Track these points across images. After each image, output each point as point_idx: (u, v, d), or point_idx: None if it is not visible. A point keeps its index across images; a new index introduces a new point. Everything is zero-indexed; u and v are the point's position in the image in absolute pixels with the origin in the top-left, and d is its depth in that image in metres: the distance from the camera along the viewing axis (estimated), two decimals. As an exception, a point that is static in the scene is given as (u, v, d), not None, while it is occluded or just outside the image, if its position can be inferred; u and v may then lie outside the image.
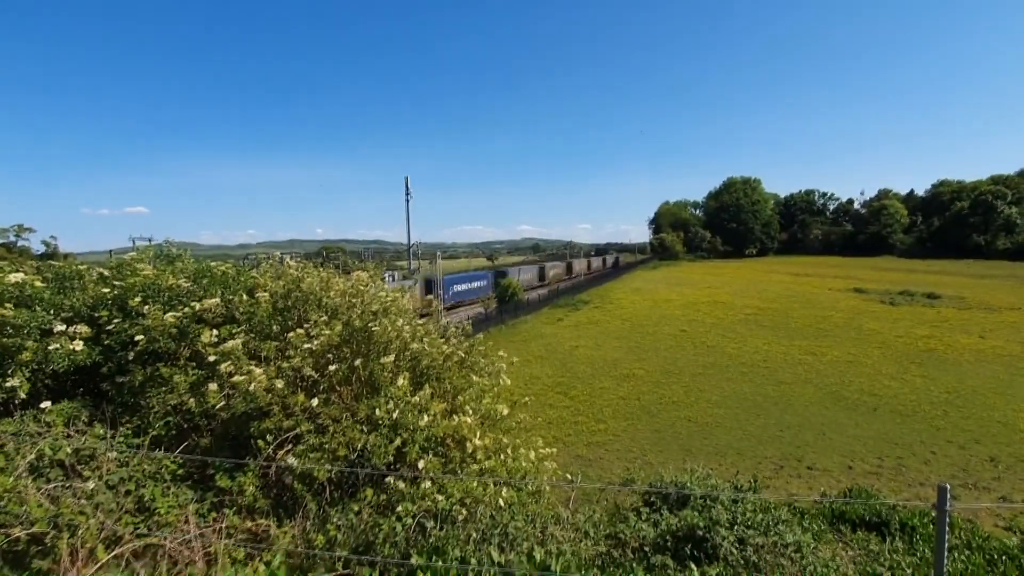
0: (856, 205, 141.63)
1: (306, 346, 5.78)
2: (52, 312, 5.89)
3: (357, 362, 5.98)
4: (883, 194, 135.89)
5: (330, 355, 6.07)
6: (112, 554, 3.94)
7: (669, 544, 6.16)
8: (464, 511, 5.18)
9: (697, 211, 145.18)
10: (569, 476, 7.57)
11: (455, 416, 6.06)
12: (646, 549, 6.19)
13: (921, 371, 23.40)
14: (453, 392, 6.79)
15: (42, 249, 26.69)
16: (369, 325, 6.30)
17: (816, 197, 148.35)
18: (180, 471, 5.21)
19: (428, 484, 5.20)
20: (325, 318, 6.42)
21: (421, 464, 5.29)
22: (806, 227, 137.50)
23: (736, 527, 6.24)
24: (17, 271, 6.17)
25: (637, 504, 8.02)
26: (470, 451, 5.82)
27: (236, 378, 5.35)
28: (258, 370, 5.46)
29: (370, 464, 5.32)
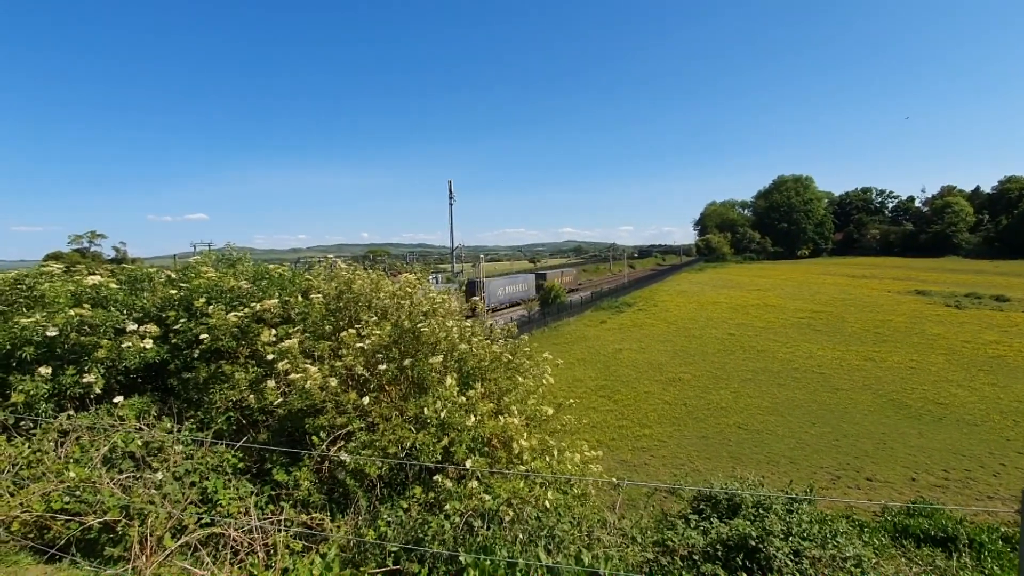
0: (917, 203, 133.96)
1: (358, 345, 5.94)
2: (125, 312, 6.28)
3: (406, 362, 6.10)
4: (946, 191, 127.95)
5: (380, 355, 6.21)
6: (179, 543, 4.15)
7: (720, 553, 5.98)
8: (511, 512, 5.18)
9: (745, 211, 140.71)
10: (615, 480, 7.46)
11: (501, 417, 6.08)
12: (695, 558, 6.02)
13: (990, 379, 21.89)
14: (499, 393, 6.82)
15: (112, 254, 28.56)
16: (418, 326, 6.41)
17: (873, 195, 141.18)
18: (240, 464, 5.44)
19: (475, 484, 5.23)
20: (375, 319, 6.58)
21: (468, 463, 5.34)
22: (862, 227, 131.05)
23: (791, 538, 5.99)
24: (93, 274, 6.62)
25: (685, 511, 7.81)
26: (516, 452, 5.82)
27: (292, 376, 5.56)
28: (313, 368, 5.64)
29: (418, 462, 5.41)
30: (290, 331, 6.29)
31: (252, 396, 5.79)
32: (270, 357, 5.86)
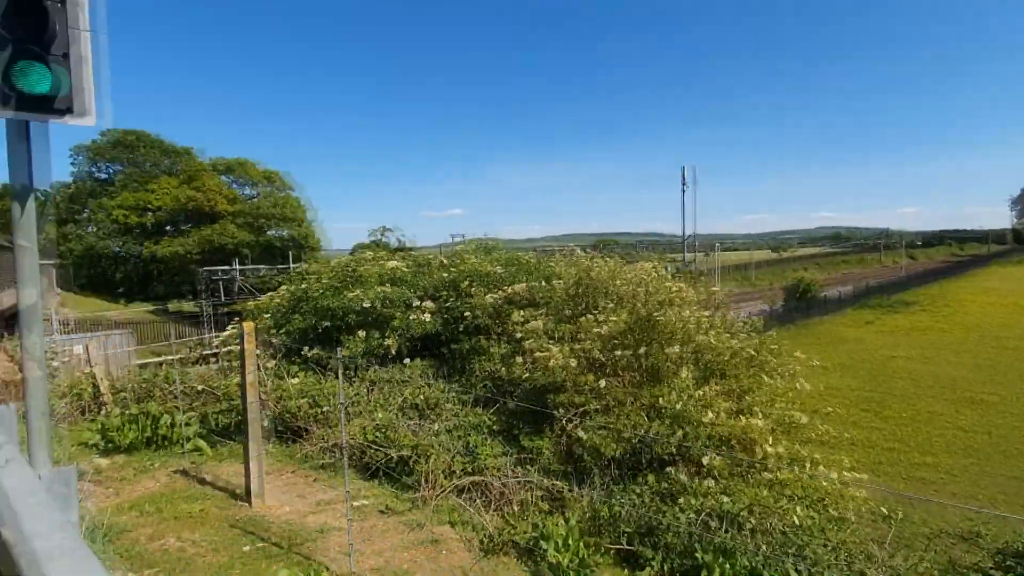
0: None
1: (595, 331, 6.21)
2: (412, 291, 7.74)
3: (641, 350, 6.15)
4: None
5: (616, 341, 6.38)
6: (452, 484, 4.99)
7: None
8: (752, 519, 4.86)
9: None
10: (885, 511, 6.34)
11: (743, 417, 5.70)
12: (1000, 624, 4.78)
13: None
14: (740, 391, 6.39)
15: (397, 244, 35.15)
16: (654, 315, 6.40)
17: None
18: (494, 427, 6.24)
19: (711, 483, 5.05)
20: (612, 305, 6.79)
21: (705, 460, 5.16)
22: None
23: None
24: (391, 260, 8.30)
25: (984, 564, 6.24)
26: (760, 457, 5.41)
27: (538, 354, 6.12)
28: (555, 349, 6.12)
29: (652, 451, 5.45)
30: (535, 313, 6.91)
31: (504, 369, 6.56)
32: (519, 335, 6.55)
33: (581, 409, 5.94)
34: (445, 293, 7.55)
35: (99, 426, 5.69)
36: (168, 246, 34.97)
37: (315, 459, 5.55)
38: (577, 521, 4.43)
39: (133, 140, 37.12)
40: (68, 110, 3.19)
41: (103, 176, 38.28)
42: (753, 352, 6.71)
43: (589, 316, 6.56)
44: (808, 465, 5.66)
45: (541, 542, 3.95)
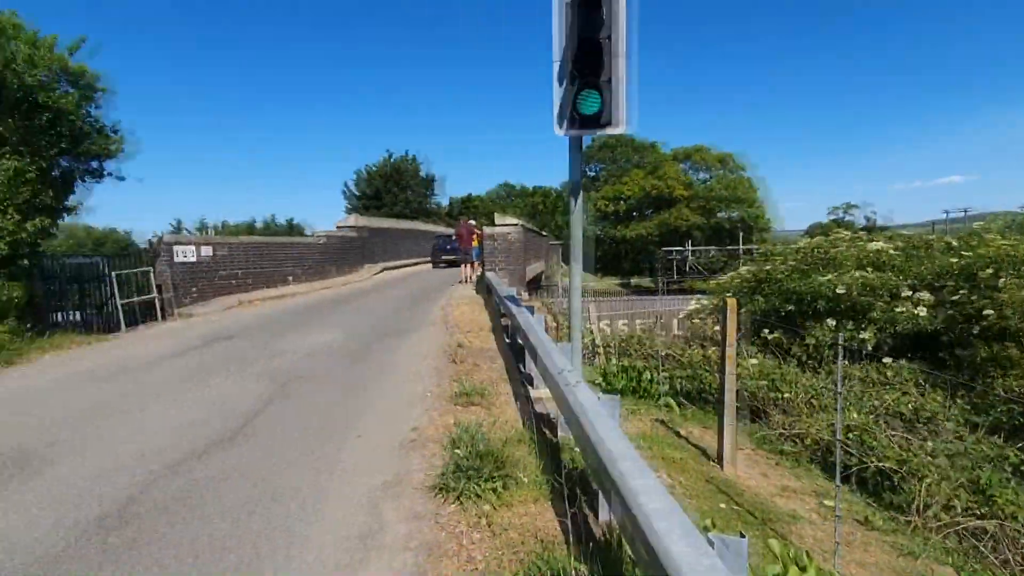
0: None
1: None
2: (900, 277, 6.49)
3: None
4: None
5: None
6: (956, 523, 4.02)
7: None
8: None
9: None
10: None
11: None
12: None
13: None
14: None
15: (863, 222, 30.06)
16: None
17: None
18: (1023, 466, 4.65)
19: None
20: None
21: None
22: None
23: None
24: (874, 240, 7.16)
25: None
26: None
27: None
28: None
29: None
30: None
31: (1050, 393, 4.77)
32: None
33: None
34: (952, 283, 6.01)
35: (601, 370, 7.30)
36: (633, 229, 40.94)
37: (774, 443, 5.49)
38: None
39: (613, 142, 44.65)
40: (607, 123, 4.14)
41: (591, 174, 47.72)
42: None
43: None
44: None
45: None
